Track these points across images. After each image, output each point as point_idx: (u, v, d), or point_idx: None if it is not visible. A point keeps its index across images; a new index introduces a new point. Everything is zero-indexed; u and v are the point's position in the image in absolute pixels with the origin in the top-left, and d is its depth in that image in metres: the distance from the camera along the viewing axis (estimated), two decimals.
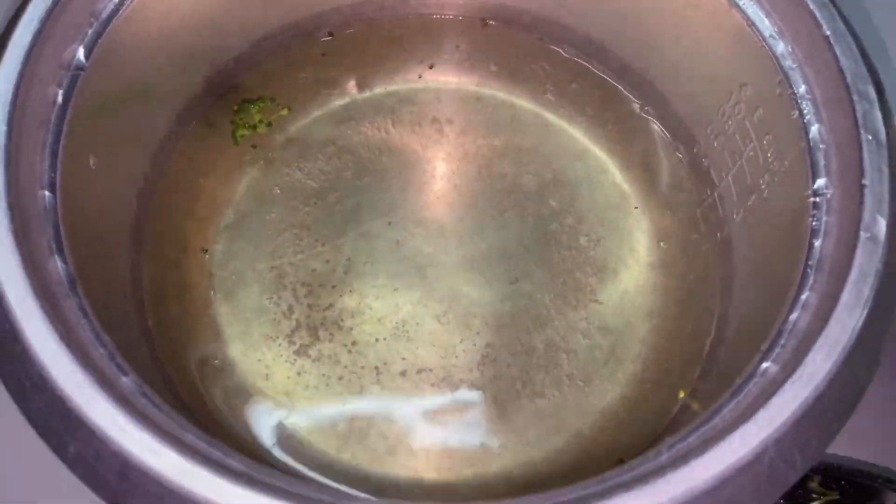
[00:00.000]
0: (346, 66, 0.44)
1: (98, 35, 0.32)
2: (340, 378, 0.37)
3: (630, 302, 0.39)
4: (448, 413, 0.37)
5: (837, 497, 0.37)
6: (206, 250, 0.39)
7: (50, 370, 0.24)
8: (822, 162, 0.30)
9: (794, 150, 0.32)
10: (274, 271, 0.39)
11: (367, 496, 0.31)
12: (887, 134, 0.28)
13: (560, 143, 0.43)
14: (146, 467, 0.23)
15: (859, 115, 0.29)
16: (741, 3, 0.34)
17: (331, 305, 0.39)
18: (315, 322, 0.38)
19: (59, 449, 0.24)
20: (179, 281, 0.39)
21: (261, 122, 0.42)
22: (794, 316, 0.27)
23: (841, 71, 0.30)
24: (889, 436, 0.38)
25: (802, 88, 0.31)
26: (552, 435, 0.36)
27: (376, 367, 0.38)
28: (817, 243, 0.28)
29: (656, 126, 0.42)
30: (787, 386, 0.24)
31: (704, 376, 0.36)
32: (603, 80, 0.44)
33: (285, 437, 0.36)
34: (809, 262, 0.28)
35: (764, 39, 0.33)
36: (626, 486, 0.23)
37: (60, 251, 0.28)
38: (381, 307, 0.39)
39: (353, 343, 0.38)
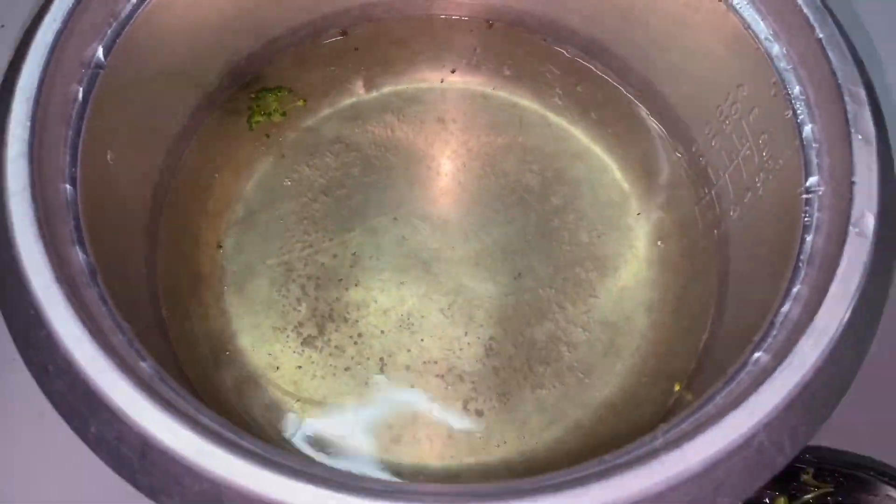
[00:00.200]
0: (354, 66, 0.45)
1: (117, 35, 0.33)
2: (347, 368, 0.38)
3: (629, 297, 0.40)
4: (451, 403, 0.38)
5: (832, 489, 0.38)
6: (220, 245, 0.41)
7: (73, 354, 0.25)
8: (814, 160, 0.31)
9: (788, 148, 0.33)
10: (282, 265, 0.40)
11: (374, 477, 0.32)
12: (877, 133, 0.29)
13: (562, 142, 0.44)
14: (165, 447, 0.24)
15: (850, 115, 0.30)
16: (738, 7, 0.35)
17: (338, 298, 0.40)
18: (322, 314, 0.39)
19: (81, 430, 0.25)
20: (192, 274, 0.40)
21: (276, 110, 0.43)
22: (785, 308, 0.28)
23: (833, 73, 0.31)
24: (880, 429, 0.39)
25: (796, 89, 0.32)
26: (553, 425, 0.38)
27: (381, 359, 0.39)
28: (809, 238, 0.29)
29: (655, 126, 0.43)
30: (777, 374, 0.25)
31: (700, 369, 0.37)
32: (604, 81, 0.45)
33: (292, 425, 0.37)
34: (801, 257, 0.29)
35: (760, 42, 0.34)
36: (623, 468, 0.24)
37: (81, 242, 0.29)
38: (387, 300, 0.40)
39: (360, 335, 0.39)
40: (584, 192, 0.43)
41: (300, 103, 0.44)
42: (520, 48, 0.46)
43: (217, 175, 0.42)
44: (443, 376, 0.38)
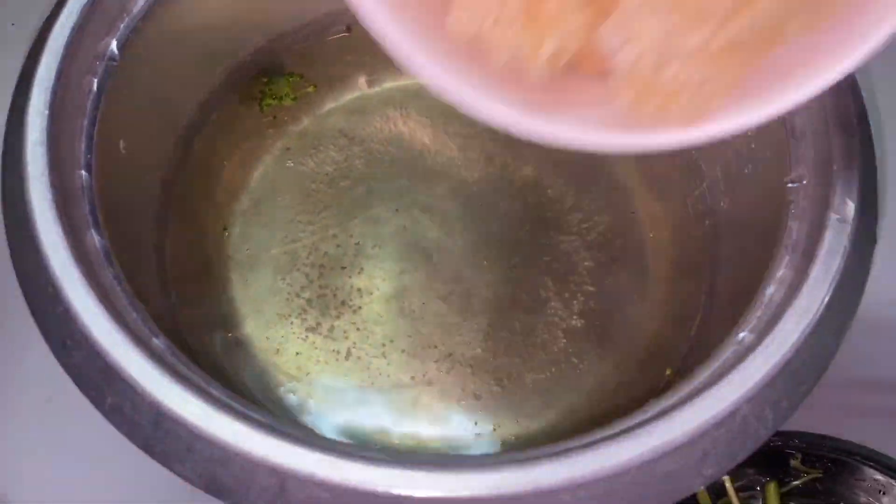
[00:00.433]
0: (358, 61, 0.46)
1: (129, 29, 0.34)
2: (349, 354, 0.40)
3: (623, 285, 0.41)
4: (450, 387, 0.39)
5: (820, 474, 0.39)
6: (227, 232, 0.42)
7: (90, 329, 0.26)
8: (799, 151, 0.32)
9: (775, 141, 0.34)
10: (287, 253, 0.42)
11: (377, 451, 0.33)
12: (858, 124, 0.30)
13: None
14: (177, 416, 0.25)
15: (834, 108, 0.31)
16: None
17: (340, 286, 0.41)
18: (326, 301, 0.41)
19: (97, 400, 0.26)
20: (199, 261, 0.41)
21: (287, 94, 0.44)
22: (769, 290, 0.29)
23: None
24: (866, 414, 0.40)
25: None
26: (548, 408, 0.39)
27: (383, 344, 0.40)
28: (794, 225, 0.31)
29: None
30: (759, 350, 0.26)
31: (691, 354, 0.38)
32: None
33: (297, 408, 0.38)
34: (786, 242, 0.30)
35: None
36: (612, 438, 0.25)
37: (97, 226, 0.30)
38: (388, 288, 0.41)
39: (362, 321, 0.40)
40: (580, 184, 0.44)
41: (311, 89, 0.45)
42: None
43: (224, 165, 0.43)
44: (442, 361, 0.40)
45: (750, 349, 0.27)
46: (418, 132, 0.45)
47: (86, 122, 0.32)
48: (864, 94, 0.32)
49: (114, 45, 0.34)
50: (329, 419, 0.38)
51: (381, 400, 0.39)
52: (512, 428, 0.38)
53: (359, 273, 0.41)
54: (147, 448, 0.25)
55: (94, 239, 0.30)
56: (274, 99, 0.44)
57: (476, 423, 0.38)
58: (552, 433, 0.38)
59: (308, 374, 0.39)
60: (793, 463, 0.39)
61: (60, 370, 0.27)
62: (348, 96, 0.46)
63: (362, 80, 0.46)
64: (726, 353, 0.28)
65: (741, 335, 0.28)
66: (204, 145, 0.43)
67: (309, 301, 0.41)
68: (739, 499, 0.37)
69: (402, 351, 0.40)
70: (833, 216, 0.29)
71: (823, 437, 0.39)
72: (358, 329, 0.40)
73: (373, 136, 0.45)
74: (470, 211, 0.43)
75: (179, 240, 0.41)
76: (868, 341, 0.37)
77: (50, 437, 0.40)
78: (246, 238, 0.42)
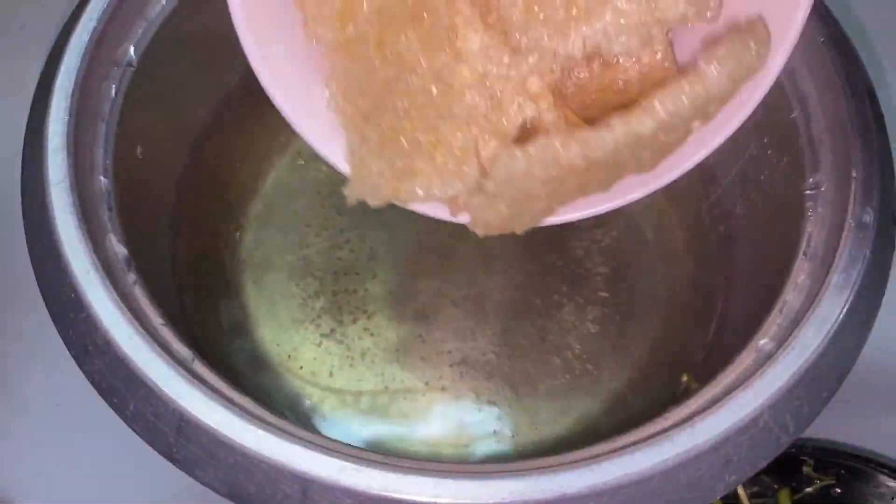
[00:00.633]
0: None
1: (148, 34, 0.34)
2: (363, 358, 0.40)
3: (638, 291, 0.41)
4: (464, 393, 0.39)
5: (832, 481, 0.39)
6: (240, 238, 0.42)
7: (112, 335, 0.26)
8: (816, 157, 0.32)
9: (792, 146, 0.34)
10: (301, 258, 0.42)
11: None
12: (876, 130, 0.30)
13: None
14: (199, 422, 0.25)
15: (852, 113, 0.31)
16: None
17: (354, 291, 0.41)
18: (339, 307, 0.41)
19: (119, 407, 0.26)
20: (213, 266, 0.41)
21: None
22: (789, 297, 0.29)
23: (836, 73, 0.32)
24: (879, 422, 0.40)
25: (800, 90, 0.34)
26: (563, 415, 0.39)
27: (397, 349, 0.40)
28: (812, 231, 0.31)
29: None
30: (781, 358, 0.26)
31: (708, 360, 0.38)
32: None
33: (311, 414, 0.38)
34: (804, 249, 0.30)
35: None
36: (636, 445, 0.25)
37: (116, 232, 0.30)
38: (402, 293, 0.41)
39: (376, 326, 0.40)
40: None
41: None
42: None
43: (238, 170, 0.43)
44: (456, 366, 0.40)
45: (771, 356, 0.27)
46: None
47: (105, 128, 0.32)
48: (880, 98, 0.32)
49: (132, 50, 0.34)
50: (343, 425, 0.38)
51: (394, 406, 0.39)
52: (528, 434, 0.38)
53: (372, 278, 0.41)
54: (169, 455, 0.25)
55: (114, 244, 0.30)
56: None
57: (491, 430, 0.38)
58: (569, 440, 0.38)
59: (322, 379, 0.39)
60: (805, 470, 0.39)
61: (69, 375, 0.27)
62: None
63: None
64: (747, 360, 0.28)
65: (761, 342, 0.28)
66: (217, 149, 0.43)
67: (323, 306, 0.41)
68: None
69: (417, 356, 0.40)
70: (852, 223, 0.29)
71: (836, 444, 0.40)
72: (371, 334, 0.40)
73: None
74: None
75: (194, 245, 0.41)
76: (884, 348, 0.37)
77: (57, 441, 0.40)
78: (259, 243, 0.42)
